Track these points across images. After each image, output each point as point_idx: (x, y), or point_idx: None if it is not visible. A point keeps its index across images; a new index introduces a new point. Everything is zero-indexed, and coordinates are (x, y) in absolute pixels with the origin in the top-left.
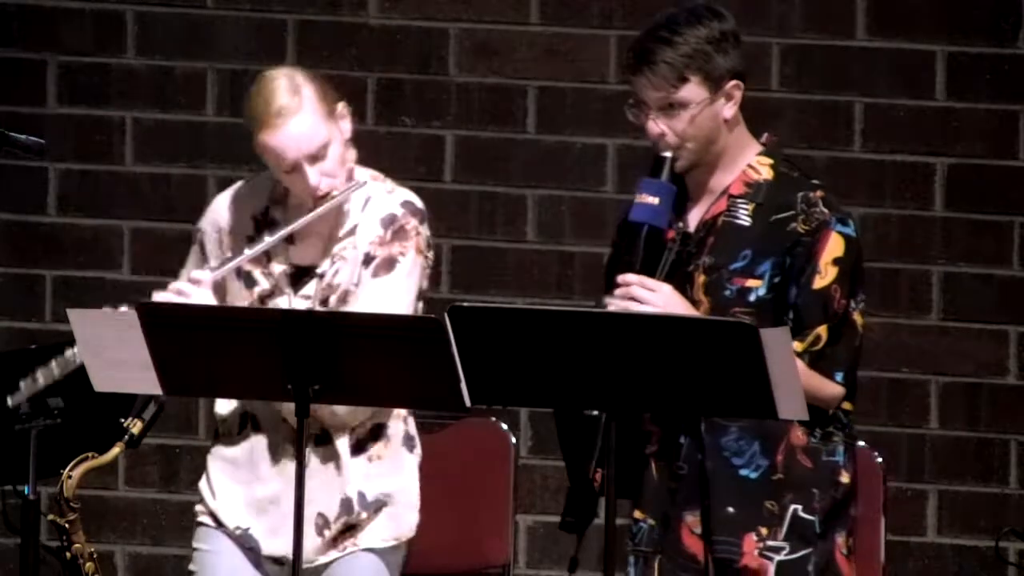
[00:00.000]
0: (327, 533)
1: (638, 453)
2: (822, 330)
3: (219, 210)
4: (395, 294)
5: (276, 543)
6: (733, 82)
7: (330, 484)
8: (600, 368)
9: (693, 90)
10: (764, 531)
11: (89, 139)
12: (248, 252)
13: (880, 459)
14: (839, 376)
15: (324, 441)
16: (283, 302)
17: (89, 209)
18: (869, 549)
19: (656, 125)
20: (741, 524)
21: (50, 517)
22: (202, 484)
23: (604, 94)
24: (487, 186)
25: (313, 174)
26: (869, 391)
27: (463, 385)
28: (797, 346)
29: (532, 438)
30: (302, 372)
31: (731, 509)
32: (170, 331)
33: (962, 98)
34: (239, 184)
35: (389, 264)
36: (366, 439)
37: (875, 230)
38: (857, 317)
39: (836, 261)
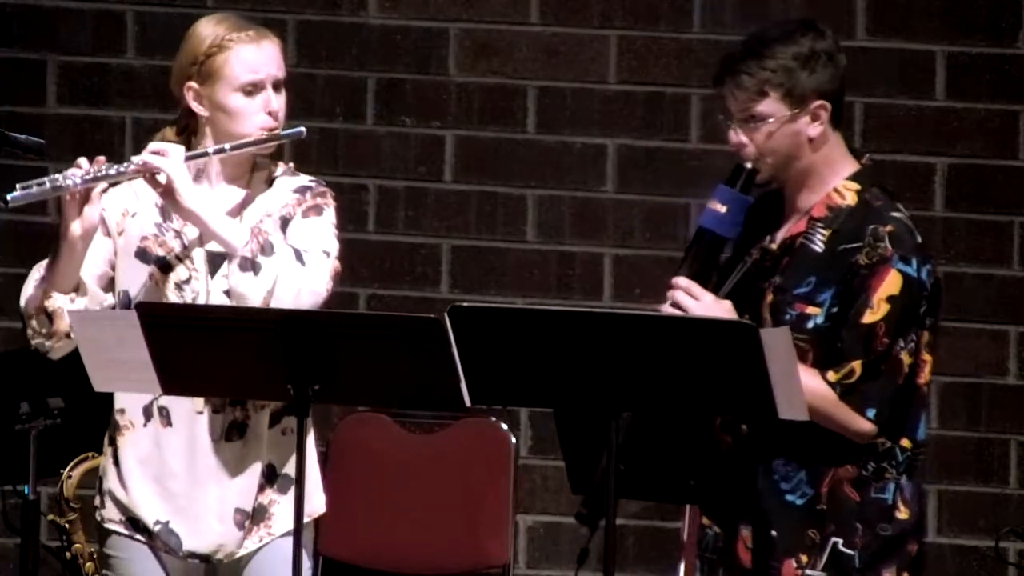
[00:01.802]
0: (247, 524)
1: (709, 459)
2: (857, 365)
3: (123, 194)
4: (325, 230)
5: (197, 540)
6: (819, 102)
7: (244, 476)
8: (600, 368)
9: (772, 105)
10: (804, 559)
11: (89, 139)
12: (211, 149)
13: None
14: (871, 413)
15: (238, 434)
16: (200, 286)
17: None
18: None
19: (736, 135)
20: (783, 549)
21: (50, 517)
22: (110, 485)
23: (604, 94)
24: (487, 186)
25: (275, 99)
26: None
27: (463, 385)
28: (831, 376)
29: (532, 438)
30: (302, 372)
31: (774, 532)
32: (170, 331)
33: (962, 98)
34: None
35: (317, 209)
36: (281, 412)
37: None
38: (904, 357)
39: (890, 299)
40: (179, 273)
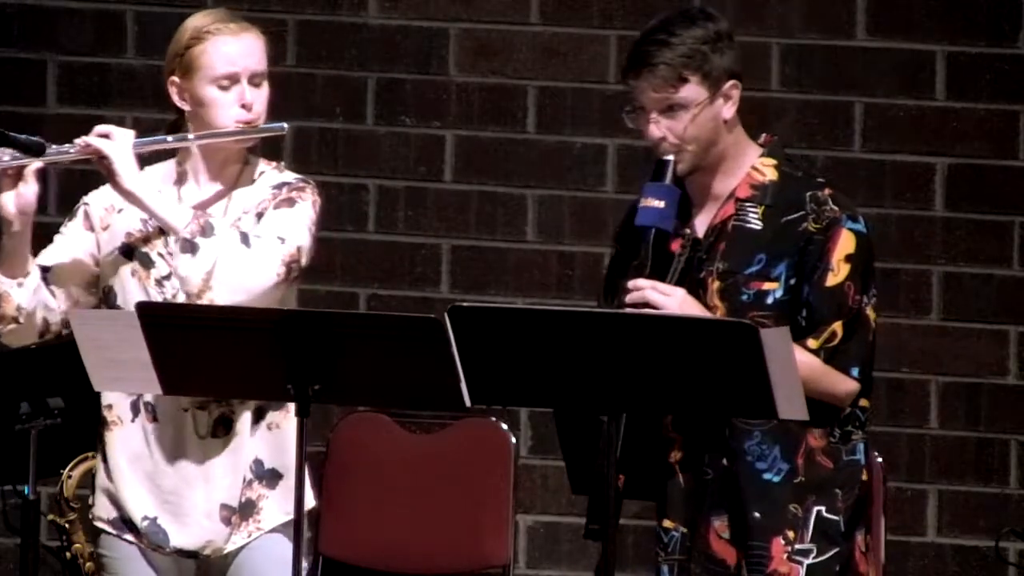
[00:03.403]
0: (234, 519)
1: (660, 460)
2: (837, 326)
3: (111, 190)
4: (290, 220)
5: (184, 536)
6: (731, 82)
7: (231, 472)
8: (600, 368)
9: (693, 90)
10: (791, 535)
11: None
12: (171, 138)
13: (880, 459)
14: (855, 371)
15: (224, 430)
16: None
17: None
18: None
19: (658, 128)
20: (768, 528)
21: (50, 517)
22: (100, 481)
23: (604, 94)
24: (487, 186)
25: (249, 91)
26: None
27: (463, 385)
28: (812, 343)
29: (532, 438)
30: (302, 372)
31: (758, 514)
32: (170, 331)
33: (962, 98)
34: None
35: (289, 202)
36: (266, 407)
37: (875, 230)
38: (870, 312)
39: (848, 258)
40: (160, 269)
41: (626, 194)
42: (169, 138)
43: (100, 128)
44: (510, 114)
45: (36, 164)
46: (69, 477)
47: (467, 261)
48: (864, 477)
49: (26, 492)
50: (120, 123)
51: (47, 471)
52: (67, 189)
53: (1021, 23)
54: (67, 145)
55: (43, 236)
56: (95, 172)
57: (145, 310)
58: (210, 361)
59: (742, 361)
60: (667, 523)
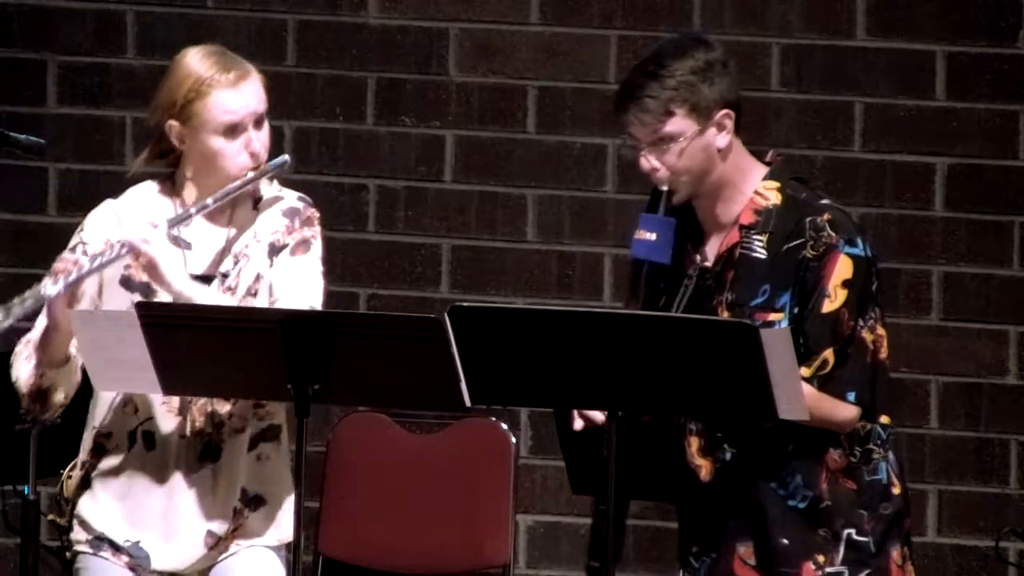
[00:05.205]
0: (220, 544)
1: (685, 482)
2: (829, 354)
3: (106, 221)
4: (313, 273)
5: (166, 558)
6: (723, 111)
7: (220, 500)
8: (600, 368)
9: (680, 123)
10: (821, 559)
11: (89, 139)
12: (194, 210)
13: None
14: (851, 396)
15: (212, 456)
16: None
17: (89, 209)
18: None
19: (648, 161)
20: (797, 554)
21: (50, 517)
22: (83, 508)
23: (604, 94)
24: (487, 186)
25: (256, 138)
26: None
27: (463, 385)
28: (805, 372)
29: (532, 438)
30: (302, 372)
31: (785, 541)
32: (170, 331)
33: (962, 98)
34: (121, 198)
35: (305, 245)
36: (258, 437)
37: (875, 230)
38: (866, 335)
39: (845, 283)
40: (162, 298)
41: (626, 194)
42: (192, 211)
43: (135, 232)
44: (510, 114)
45: (87, 274)
46: (69, 477)
47: (467, 261)
48: (896, 491)
49: (26, 492)
50: (120, 123)
51: (47, 471)
52: (67, 189)
53: (1021, 23)
54: (109, 248)
55: (43, 236)
56: (94, 172)
57: (145, 310)
58: (210, 361)
59: (742, 361)
60: (695, 548)
